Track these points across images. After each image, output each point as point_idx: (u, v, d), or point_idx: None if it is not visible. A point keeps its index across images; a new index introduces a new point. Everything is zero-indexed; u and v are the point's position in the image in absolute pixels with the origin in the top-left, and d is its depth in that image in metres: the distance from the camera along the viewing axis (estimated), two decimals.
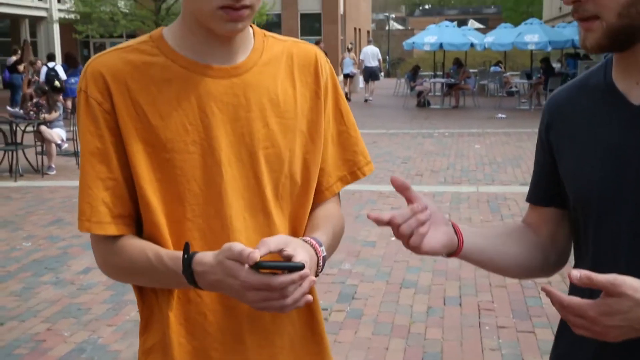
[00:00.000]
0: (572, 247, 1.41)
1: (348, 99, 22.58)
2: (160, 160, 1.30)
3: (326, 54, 17.62)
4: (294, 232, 1.42)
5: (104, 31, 22.69)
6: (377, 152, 11.37)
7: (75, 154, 10.33)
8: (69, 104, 15.86)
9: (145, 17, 22.75)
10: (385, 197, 7.93)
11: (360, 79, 23.48)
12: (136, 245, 1.32)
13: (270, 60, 1.40)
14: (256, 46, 1.40)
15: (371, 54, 22.86)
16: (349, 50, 23.93)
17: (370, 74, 22.52)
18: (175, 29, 1.36)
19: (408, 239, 1.23)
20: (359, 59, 23.88)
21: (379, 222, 1.23)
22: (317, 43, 18.34)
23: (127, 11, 23.68)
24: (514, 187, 8.52)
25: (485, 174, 9.43)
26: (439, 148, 11.88)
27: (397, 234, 1.24)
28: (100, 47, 33.96)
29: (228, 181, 1.32)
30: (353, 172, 1.54)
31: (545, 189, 1.42)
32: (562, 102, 1.38)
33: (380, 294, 4.94)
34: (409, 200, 1.26)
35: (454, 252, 1.30)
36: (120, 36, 29.21)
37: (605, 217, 1.24)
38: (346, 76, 22.80)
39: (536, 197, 1.46)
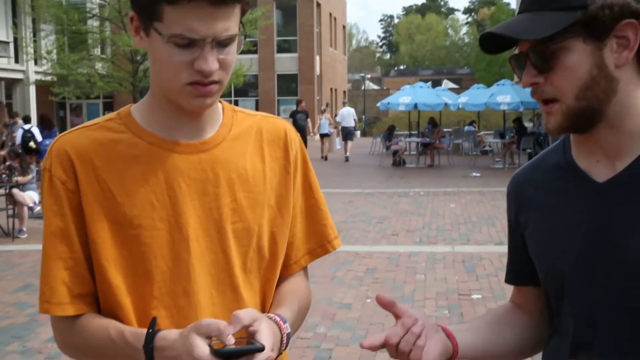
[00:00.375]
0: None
1: (325, 159, 22.93)
2: (126, 237, 1.29)
3: (307, 114, 17.47)
4: (262, 307, 1.41)
5: (80, 93, 22.76)
6: (354, 212, 11.38)
7: None
8: None
9: (122, 79, 22.89)
10: (361, 258, 7.90)
11: (338, 139, 24.40)
12: (97, 323, 1.30)
13: (240, 135, 1.41)
14: (225, 121, 1.41)
15: (347, 115, 23.73)
16: (323, 112, 25.25)
17: (347, 134, 23.36)
18: (143, 106, 1.37)
19: (408, 355, 1.21)
20: (336, 120, 24.71)
21: (374, 348, 1.22)
22: (298, 103, 18.81)
23: (104, 73, 23.83)
24: (489, 246, 8.54)
25: (460, 233, 9.45)
26: (415, 207, 11.93)
27: (396, 353, 1.22)
28: (76, 109, 34.01)
29: (196, 257, 1.31)
30: (322, 245, 1.53)
31: (522, 269, 1.42)
32: (525, 183, 1.39)
33: (356, 358, 4.86)
34: (397, 316, 1.25)
35: (450, 357, 1.28)
36: (97, 97, 29.32)
37: (581, 294, 1.24)
38: (322, 136, 23.58)
39: (515, 278, 1.46)
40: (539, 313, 1.41)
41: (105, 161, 1.30)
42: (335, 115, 30.06)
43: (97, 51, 24.94)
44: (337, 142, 24.69)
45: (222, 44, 1.24)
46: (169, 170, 1.31)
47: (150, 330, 1.21)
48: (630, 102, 1.19)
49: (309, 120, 19.63)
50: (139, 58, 22.56)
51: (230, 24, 1.24)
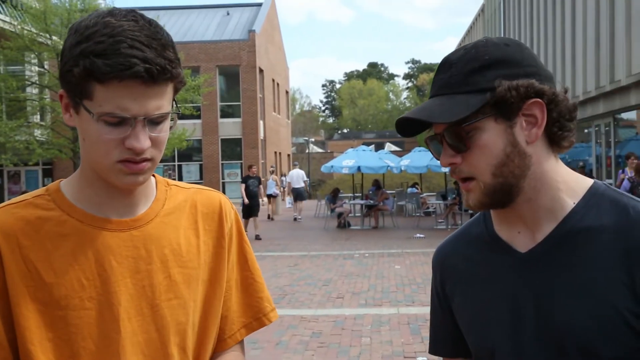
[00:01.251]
0: None
1: (271, 219, 23.13)
2: (53, 318, 1.25)
3: (260, 180, 16.86)
4: None
5: (18, 160, 22.29)
6: (299, 275, 11.30)
7: None
8: None
9: (62, 146, 22.56)
10: (307, 322, 7.81)
11: (289, 199, 25.36)
12: None
13: (173, 210, 1.40)
14: (158, 196, 1.40)
15: (296, 177, 24.70)
16: (272, 173, 26.15)
17: (297, 195, 24.28)
18: (73, 181, 1.35)
19: None
20: (287, 181, 25.63)
21: None
22: (249, 167, 18.41)
23: (43, 140, 23.44)
24: None
25: (405, 294, 9.47)
26: (360, 269, 11.93)
27: None
28: (14, 176, 33.20)
29: (127, 337, 1.28)
30: (258, 318, 1.52)
31: (450, 340, 1.44)
32: (450, 255, 1.43)
33: None
34: None
35: None
36: (36, 164, 28.77)
37: None
38: (269, 196, 24.26)
39: (443, 349, 1.47)
40: None
41: (32, 240, 1.26)
42: (283, 175, 30.21)
43: (36, 118, 24.58)
44: (287, 201, 25.40)
45: (154, 122, 1.24)
46: (99, 249, 1.29)
47: None
48: (542, 176, 1.25)
49: (261, 187, 18.45)
50: None
51: (162, 102, 1.24)
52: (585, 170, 21.94)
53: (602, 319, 1.17)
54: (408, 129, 1.29)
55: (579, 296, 1.19)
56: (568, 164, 23.48)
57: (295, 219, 23.74)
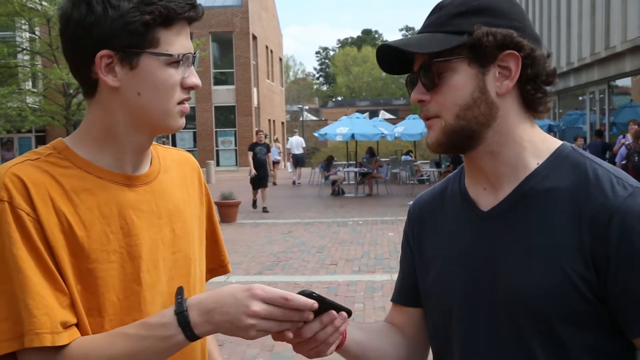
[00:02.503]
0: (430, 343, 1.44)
1: (274, 184, 24.02)
2: (81, 270, 1.26)
3: (268, 147, 15.78)
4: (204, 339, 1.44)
5: (11, 127, 22.15)
6: (293, 242, 11.35)
7: None
8: None
9: (55, 113, 22.42)
10: (300, 288, 7.82)
11: (289, 165, 26.66)
12: (99, 337, 1.24)
13: (168, 168, 1.45)
14: (153, 154, 1.44)
15: (296, 143, 25.98)
16: (276, 141, 27.84)
17: (297, 161, 25.55)
18: (80, 140, 1.34)
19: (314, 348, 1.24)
20: (287, 148, 27.03)
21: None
22: (257, 133, 17.02)
23: (35, 107, 23.28)
24: None
25: (398, 261, 9.50)
26: (354, 236, 11.98)
27: (305, 347, 1.26)
28: (7, 143, 33.07)
29: (147, 288, 1.32)
30: (223, 265, 1.65)
31: (414, 291, 1.45)
32: (424, 206, 1.46)
33: None
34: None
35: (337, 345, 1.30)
36: (29, 131, 28.64)
37: (464, 328, 1.29)
38: (273, 163, 25.16)
39: (405, 298, 1.49)
40: (415, 338, 1.45)
41: (60, 193, 1.26)
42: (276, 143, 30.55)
43: (28, 85, 24.38)
44: (288, 167, 27.02)
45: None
46: (121, 203, 1.31)
47: (180, 297, 1.20)
48: (509, 131, 1.25)
49: (270, 154, 16.96)
50: (71, 91, 22.16)
51: None
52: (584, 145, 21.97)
53: (551, 281, 1.18)
54: (388, 64, 1.33)
55: (530, 258, 1.21)
56: (563, 131, 23.42)
57: (294, 183, 24.87)
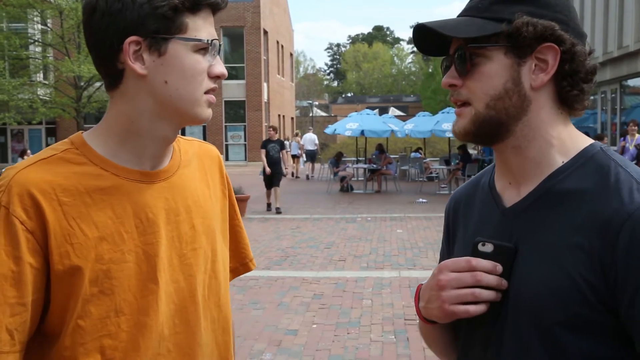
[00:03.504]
0: None
1: (296, 177, 25.73)
2: (97, 273, 1.24)
3: (282, 144, 14.93)
4: (223, 332, 1.44)
5: (21, 118, 22.25)
6: (301, 238, 11.35)
7: None
8: None
9: (65, 105, 22.49)
10: (308, 283, 7.86)
11: (302, 160, 27.87)
12: None
13: (189, 161, 1.43)
14: (175, 148, 1.42)
15: (309, 140, 27.06)
16: (296, 135, 29.01)
17: (310, 157, 26.73)
18: (99, 135, 1.32)
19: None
20: (301, 143, 27.84)
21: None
22: (270, 129, 15.73)
23: (46, 99, 23.36)
24: None
25: (407, 258, 9.50)
26: (362, 233, 11.96)
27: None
28: (17, 134, 33.21)
29: (162, 287, 1.30)
30: (245, 264, 1.62)
31: None
32: (460, 197, 1.44)
33: None
34: None
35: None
36: (40, 123, 28.72)
37: (481, 328, 1.27)
38: (293, 157, 27.05)
39: None
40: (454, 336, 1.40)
41: (72, 196, 1.23)
42: (287, 139, 31.02)
43: (39, 77, 24.46)
44: (301, 162, 28.13)
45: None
46: (136, 201, 1.29)
47: None
48: (538, 127, 1.22)
49: (284, 152, 15.65)
50: (82, 84, 22.21)
51: None
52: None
53: (557, 282, 1.14)
54: (426, 45, 1.30)
55: (540, 258, 1.18)
56: None
57: (307, 177, 26.10)
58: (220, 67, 1.31)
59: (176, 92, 1.28)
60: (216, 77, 1.31)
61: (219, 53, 1.32)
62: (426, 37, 1.26)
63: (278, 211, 14.77)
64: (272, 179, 14.78)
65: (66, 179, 1.24)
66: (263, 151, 14.85)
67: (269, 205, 15.26)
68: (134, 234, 1.28)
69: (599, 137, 13.82)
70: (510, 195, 1.27)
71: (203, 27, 1.28)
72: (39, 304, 1.23)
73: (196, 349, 1.35)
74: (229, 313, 1.47)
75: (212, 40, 1.29)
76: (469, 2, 1.25)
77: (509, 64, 1.19)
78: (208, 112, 1.32)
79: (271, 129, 15.56)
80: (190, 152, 1.45)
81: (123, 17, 1.22)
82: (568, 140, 1.24)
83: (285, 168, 15.05)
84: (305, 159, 27.40)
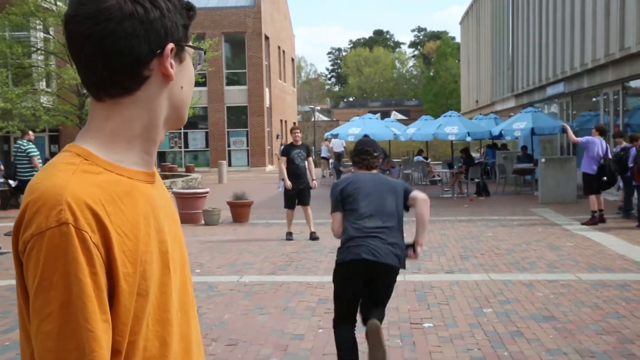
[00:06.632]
0: None
1: (324, 176, 26.48)
2: (139, 276, 1.24)
3: (308, 150, 12.38)
4: (195, 318, 1.46)
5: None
6: (305, 242, 11.35)
7: None
8: None
9: (68, 112, 22.53)
10: (313, 288, 7.87)
11: (330, 162, 28.80)
12: None
13: None
14: None
15: (338, 144, 28.07)
16: (325, 140, 30.47)
17: (338, 158, 27.02)
18: (107, 142, 1.31)
19: None
20: (330, 146, 29.23)
21: None
22: (292, 131, 11.88)
23: (49, 106, 23.40)
24: (440, 275, 8.60)
25: (411, 262, 9.48)
26: None
27: None
28: None
29: (174, 283, 1.34)
30: None
31: None
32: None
33: None
34: None
35: None
36: (43, 131, 28.74)
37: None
38: (322, 158, 29.53)
39: None
40: None
41: (112, 205, 1.23)
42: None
43: (42, 85, 24.51)
44: (330, 163, 29.54)
45: None
46: (150, 201, 1.32)
47: None
48: None
49: (311, 159, 11.91)
50: (85, 91, 22.25)
51: None
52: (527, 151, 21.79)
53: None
54: None
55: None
56: (576, 133, 23.32)
57: (323, 175, 27.44)
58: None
59: (186, 97, 1.38)
60: None
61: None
62: None
63: (313, 237, 11.70)
64: (297, 196, 11.63)
65: (102, 189, 1.23)
66: (284, 159, 11.55)
67: (289, 234, 11.80)
68: (154, 233, 1.30)
69: (635, 138, 13.51)
70: None
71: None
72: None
73: (191, 337, 1.39)
74: None
75: (205, 51, 1.40)
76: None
77: None
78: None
79: (296, 131, 11.86)
80: None
81: (163, 24, 1.28)
82: None
83: (312, 179, 12.03)
84: (332, 163, 27.54)
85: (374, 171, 4.90)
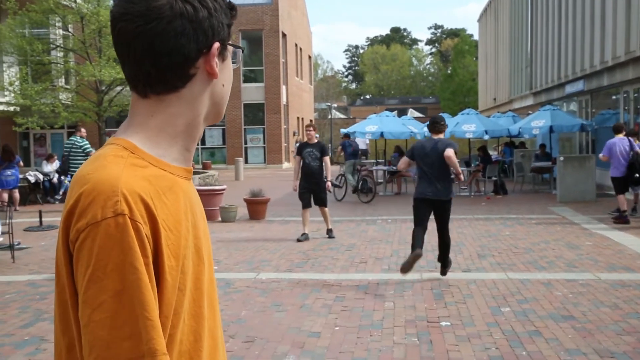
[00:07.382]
0: None
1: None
2: (179, 271, 1.26)
3: (323, 149, 11.57)
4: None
5: (44, 123, 22.47)
6: (321, 240, 11.35)
7: (11, 247, 9.96)
8: (5, 196, 15.51)
9: (86, 109, 22.68)
10: (330, 286, 7.86)
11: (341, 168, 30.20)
12: None
13: None
14: None
15: (362, 141, 27.79)
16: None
17: (364, 154, 27.58)
18: (153, 137, 1.32)
19: None
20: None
21: None
22: (308, 128, 11.76)
23: (68, 103, 23.58)
24: (457, 273, 8.57)
25: (428, 260, 9.47)
26: (383, 235, 11.94)
27: None
28: (40, 139, 33.55)
29: (206, 278, 1.36)
30: None
31: None
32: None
33: None
34: None
35: None
36: (62, 127, 28.99)
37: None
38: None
39: None
40: None
41: (158, 198, 1.25)
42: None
43: (61, 82, 24.70)
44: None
45: None
46: (188, 197, 1.34)
47: None
48: None
49: (327, 159, 11.61)
50: (104, 88, 22.40)
51: None
52: (545, 150, 21.67)
53: None
54: None
55: None
56: (595, 131, 22.98)
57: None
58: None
59: (226, 95, 1.41)
60: None
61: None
62: None
63: (330, 235, 11.70)
64: (311, 196, 11.46)
65: (149, 183, 1.24)
66: (297, 158, 11.55)
67: (303, 235, 11.48)
68: (191, 229, 1.31)
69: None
70: None
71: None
72: None
73: (218, 331, 1.40)
74: None
75: (243, 49, 1.41)
76: None
77: None
78: None
79: (310, 129, 11.76)
80: None
81: (210, 23, 1.31)
82: None
83: (327, 180, 11.65)
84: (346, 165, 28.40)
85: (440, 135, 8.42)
